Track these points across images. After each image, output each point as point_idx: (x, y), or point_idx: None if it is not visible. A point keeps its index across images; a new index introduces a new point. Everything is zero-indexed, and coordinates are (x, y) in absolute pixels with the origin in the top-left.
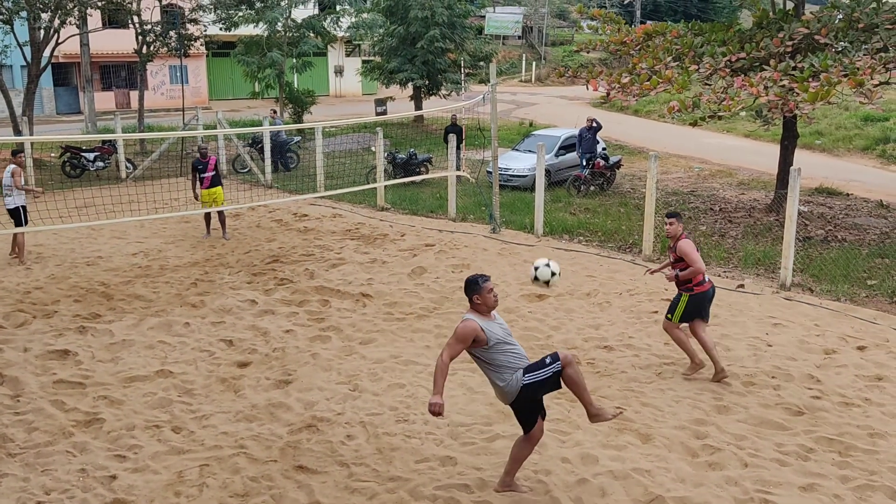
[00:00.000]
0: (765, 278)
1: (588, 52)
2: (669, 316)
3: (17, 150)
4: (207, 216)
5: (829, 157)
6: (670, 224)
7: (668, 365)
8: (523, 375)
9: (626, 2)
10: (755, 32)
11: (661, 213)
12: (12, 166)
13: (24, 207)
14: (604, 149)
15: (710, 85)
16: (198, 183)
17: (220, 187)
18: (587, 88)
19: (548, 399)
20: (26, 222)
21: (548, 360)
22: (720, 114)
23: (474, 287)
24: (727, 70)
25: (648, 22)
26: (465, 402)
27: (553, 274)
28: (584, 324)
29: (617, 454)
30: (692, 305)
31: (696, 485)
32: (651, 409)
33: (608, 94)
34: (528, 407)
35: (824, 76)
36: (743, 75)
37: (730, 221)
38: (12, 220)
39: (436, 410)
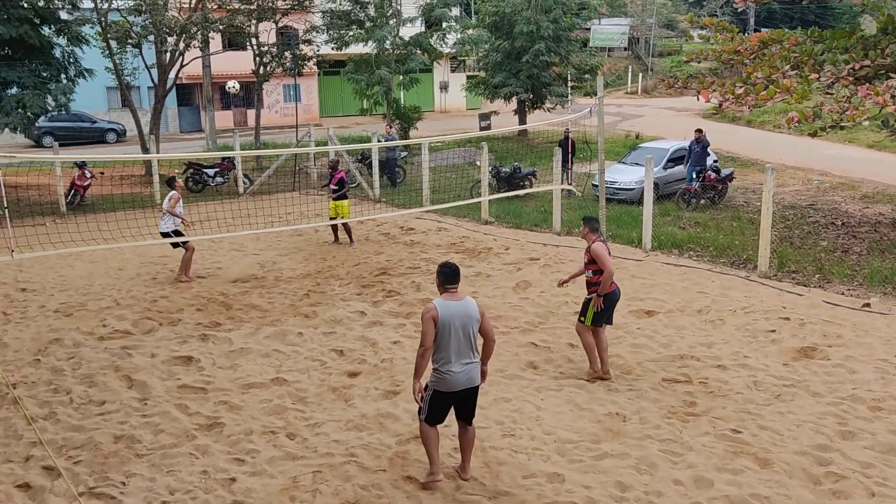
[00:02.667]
0: (892, 297)
1: (698, 62)
2: (582, 319)
3: (173, 178)
4: (334, 225)
5: None
6: (581, 227)
7: (789, 387)
8: None
9: (738, 10)
10: (880, 39)
11: (777, 227)
12: (172, 192)
13: (175, 232)
14: (715, 161)
15: (831, 94)
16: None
17: (341, 201)
18: (698, 99)
19: (657, 418)
20: (181, 244)
21: None
22: (843, 124)
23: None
24: (850, 78)
25: (763, 30)
26: (573, 418)
27: None
28: (696, 341)
29: (733, 478)
30: (603, 307)
31: None
32: (770, 433)
33: (721, 104)
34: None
35: None
36: (867, 83)
37: (853, 237)
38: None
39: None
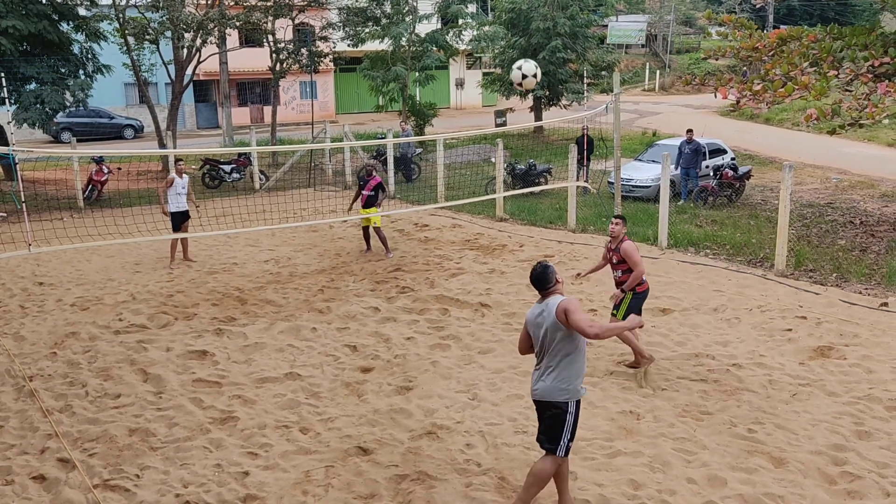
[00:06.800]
0: None
1: (716, 59)
2: (615, 312)
3: (178, 158)
4: (365, 232)
5: None
6: (615, 225)
7: (805, 386)
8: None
9: (757, 6)
10: None
11: (795, 225)
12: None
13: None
14: (733, 159)
15: (850, 91)
16: (358, 198)
17: (373, 208)
18: (715, 96)
19: (671, 416)
20: (175, 228)
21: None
22: (862, 122)
23: (552, 273)
24: (869, 75)
25: (782, 26)
26: (586, 416)
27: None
28: (711, 340)
29: (747, 477)
30: (635, 303)
31: None
32: (785, 432)
33: (738, 101)
34: (573, 421)
35: None
36: (887, 81)
37: (872, 235)
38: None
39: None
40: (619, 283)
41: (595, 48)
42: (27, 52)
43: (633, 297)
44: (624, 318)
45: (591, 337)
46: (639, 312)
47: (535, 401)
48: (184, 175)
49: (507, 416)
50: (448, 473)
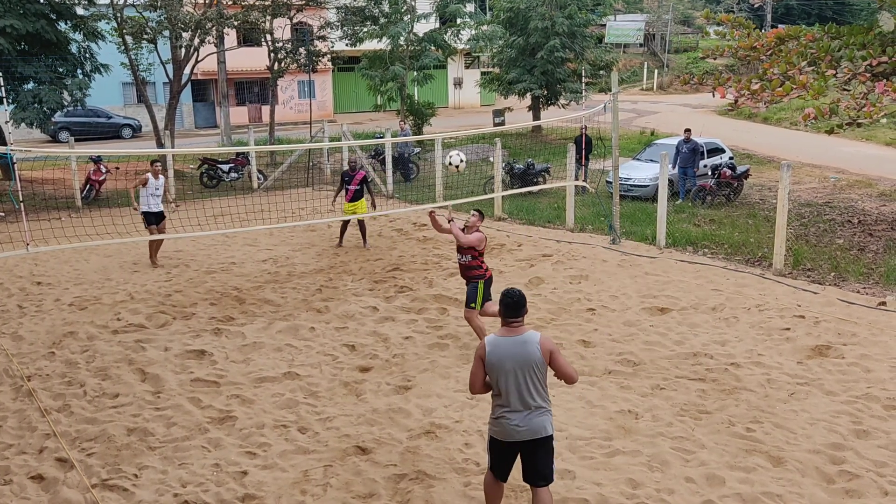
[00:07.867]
0: None
1: (714, 59)
2: (473, 305)
3: (155, 160)
4: (343, 226)
5: None
6: (473, 216)
7: (803, 385)
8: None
9: (755, 5)
10: None
11: (793, 225)
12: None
13: (150, 213)
14: (731, 158)
15: (848, 90)
16: (342, 192)
17: (361, 201)
18: (713, 96)
19: (670, 415)
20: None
21: None
22: (860, 121)
23: (526, 299)
24: (867, 75)
25: (780, 26)
26: (584, 415)
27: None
28: (710, 339)
29: (745, 476)
30: (486, 290)
31: None
32: (783, 431)
33: (736, 101)
34: (551, 454)
35: None
36: (885, 80)
37: (870, 235)
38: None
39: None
40: (463, 267)
41: (593, 47)
42: (25, 52)
43: (484, 286)
44: (482, 305)
45: (574, 383)
46: (489, 297)
47: (523, 441)
48: (160, 176)
49: None
50: (447, 473)
